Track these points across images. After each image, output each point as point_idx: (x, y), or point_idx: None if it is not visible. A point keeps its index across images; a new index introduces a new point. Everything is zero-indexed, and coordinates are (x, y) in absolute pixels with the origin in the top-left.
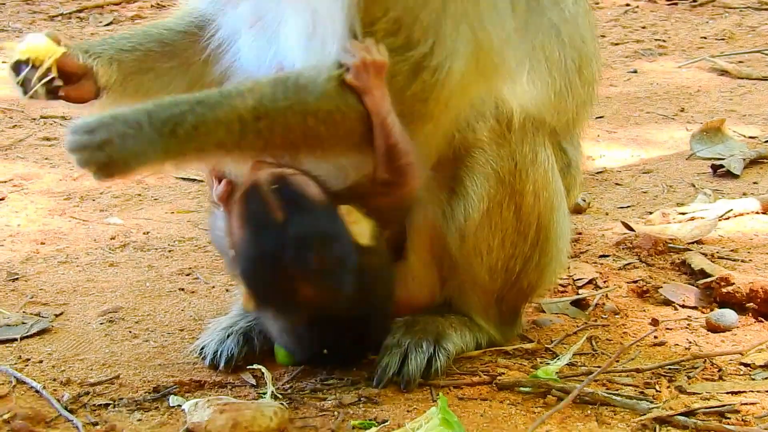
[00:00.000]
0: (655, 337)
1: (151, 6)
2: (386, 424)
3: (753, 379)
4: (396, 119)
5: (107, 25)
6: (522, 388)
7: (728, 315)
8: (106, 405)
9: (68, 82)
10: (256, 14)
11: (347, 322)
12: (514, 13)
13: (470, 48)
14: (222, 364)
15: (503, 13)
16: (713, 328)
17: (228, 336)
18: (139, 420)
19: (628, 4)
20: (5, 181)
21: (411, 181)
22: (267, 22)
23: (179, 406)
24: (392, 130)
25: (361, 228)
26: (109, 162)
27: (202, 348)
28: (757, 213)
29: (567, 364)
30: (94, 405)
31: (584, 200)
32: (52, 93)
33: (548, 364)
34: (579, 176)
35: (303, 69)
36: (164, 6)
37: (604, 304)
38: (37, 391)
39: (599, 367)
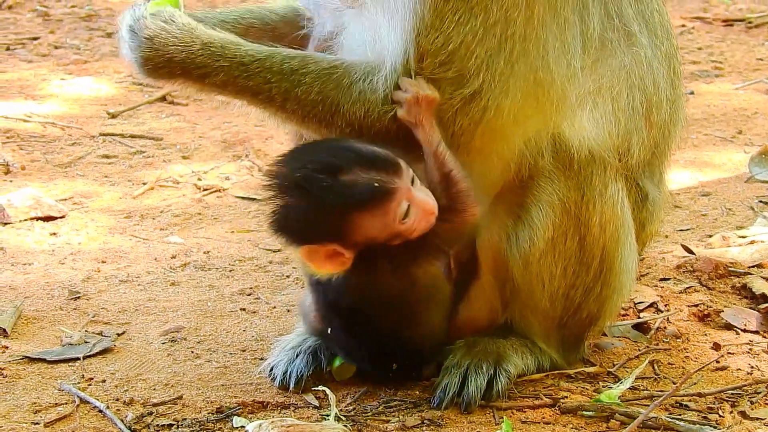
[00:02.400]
0: (717, 362)
1: None
2: None
3: None
4: (446, 148)
5: None
6: (585, 413)
7: None
8: (170, 425)
9: None
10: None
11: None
12: (585, 52)
13: (526, 87)
14: (292, 384)
15: (572, 51)
16: None
17: (297, 356)
18: None
19: (683, 26)
20: (65, 199)
21: (469, 207)
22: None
23: (243, 427)
24: (445, 159)
25: None
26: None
27: (272, 368)
28: None
29: (629, 388)
30: (157, 425)
31: None
32: None
33: (611, 387)
34: (658, 211)
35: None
36: None
37: (665, 327)
38: (100, 411)
39: (662, 391)
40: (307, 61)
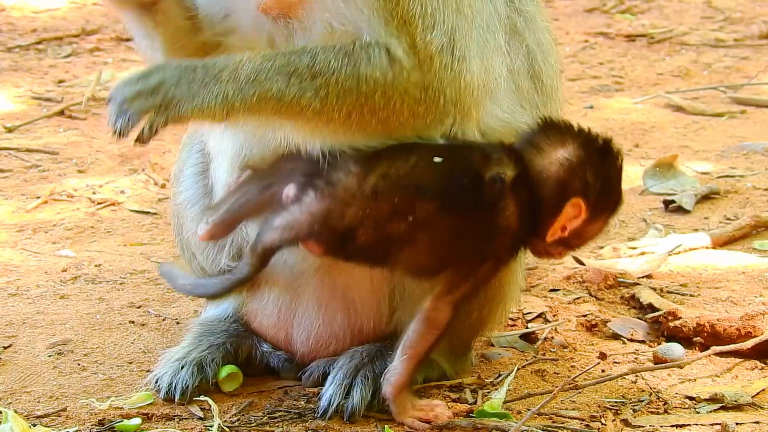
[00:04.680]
0: (603, 371)
1: (111, 39)
2: None
3: (698, 413)
4: None
5: (66, 57)
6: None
7: (675, 349)
8: None
9: None
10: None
11: None
12: (501, 32)
13: (480, 60)
14: (177, 396)
15: (493, 29)
16: (660, 362)
17: (182, 367)
18: None
19: (586, 41)
20: None
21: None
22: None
23: None
24: None
25: None
26: (163, 103)
27: (157, 380)
28: (707, 248)
29: (516, 399)
30: None
31: None
32: None
33: (494, 399)
34: None
35: (348, 42)
36: (124, 39)
37: (552, 337)
38: None
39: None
40: (309, 46)
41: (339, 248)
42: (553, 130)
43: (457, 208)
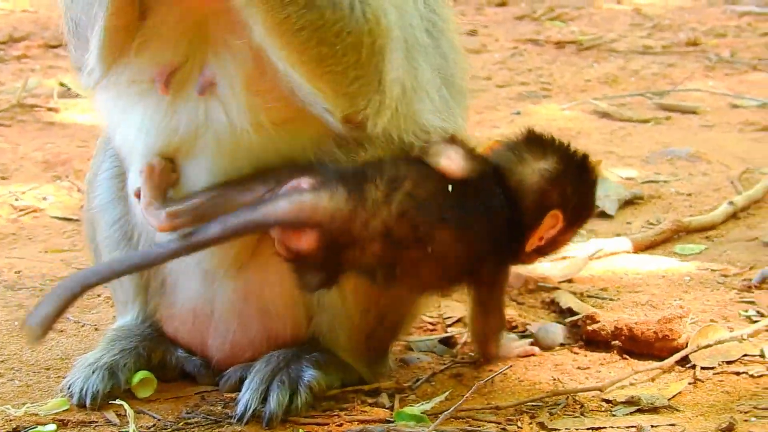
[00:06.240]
0: (519, 376)
1: (38, 46)
2: None
3: (614, 415)
4: None
5: None
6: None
7: (551, 329)
8: None
9: None
10: None
11: None
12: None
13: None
14: (88, 402)
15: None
16: (538, 345)
17: (93, 372)
18: None
19: (516, 48)
20: None
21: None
22: None
23: None
24: None
25: None
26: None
27: (69, 386)
28: (629, 253)
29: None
30: None
31: None
32: None
33: (413, 405)
34: None
35: None
36: (52, 46)
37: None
38: None
39: (471, 407)
40: None
41: (334, 253)
42: (535, 141)
43: (475, 234)
